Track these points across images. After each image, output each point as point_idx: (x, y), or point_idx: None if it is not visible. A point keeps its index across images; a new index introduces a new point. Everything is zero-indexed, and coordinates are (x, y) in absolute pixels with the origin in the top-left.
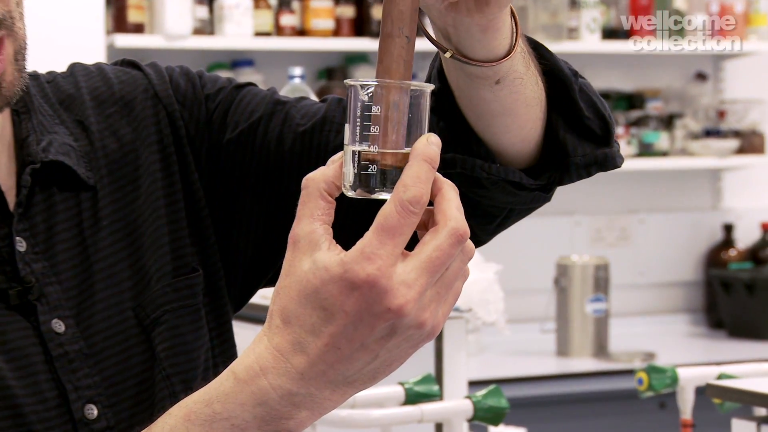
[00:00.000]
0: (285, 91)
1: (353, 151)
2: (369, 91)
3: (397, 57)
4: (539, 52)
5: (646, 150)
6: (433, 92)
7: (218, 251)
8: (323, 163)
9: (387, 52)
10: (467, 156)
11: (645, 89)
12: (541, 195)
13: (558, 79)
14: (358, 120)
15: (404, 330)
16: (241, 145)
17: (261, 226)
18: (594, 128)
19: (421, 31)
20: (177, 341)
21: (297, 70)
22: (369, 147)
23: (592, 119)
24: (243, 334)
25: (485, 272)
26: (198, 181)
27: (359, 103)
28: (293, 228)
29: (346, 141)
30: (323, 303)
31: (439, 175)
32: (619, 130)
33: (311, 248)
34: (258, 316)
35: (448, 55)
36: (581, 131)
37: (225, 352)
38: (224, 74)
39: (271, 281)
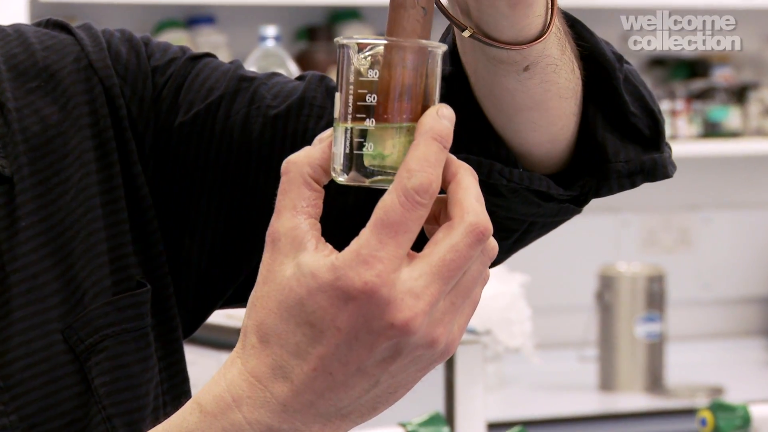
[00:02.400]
0: (255, 57)
1: (345, 128)
2: (366, 51)
3: (410, 32)
4: (576, 30)
5: (712, 130)
6: (444, 77)
7: (167, 262)
8: None
9: (398, 25)
10: (483, 157)
11: (710, 53)
12: (572, 207)
13: (599, 65)
14: (352, 87)
15: (411, 350)
16: (196, 131)
17: (219, 233)
18: (641, 127)
19: (435, 4)
20: (120, 373)
21: (270, 30)
22: (365, 121)
23: (638, 116)
24: (201, 362)
25: (508, 285)
26: (142, 174)
27: (353, 67)
28: (272, 223)
29: (336, 114)
30: (310, 317)
31: (453, 157)
32: (678, 105)
33: (294, 249)
34: (218, 340)
35: (466, 33)
36: (625, 130)
37: (174, 389)
38: (177, 35)
39: (231, 301)
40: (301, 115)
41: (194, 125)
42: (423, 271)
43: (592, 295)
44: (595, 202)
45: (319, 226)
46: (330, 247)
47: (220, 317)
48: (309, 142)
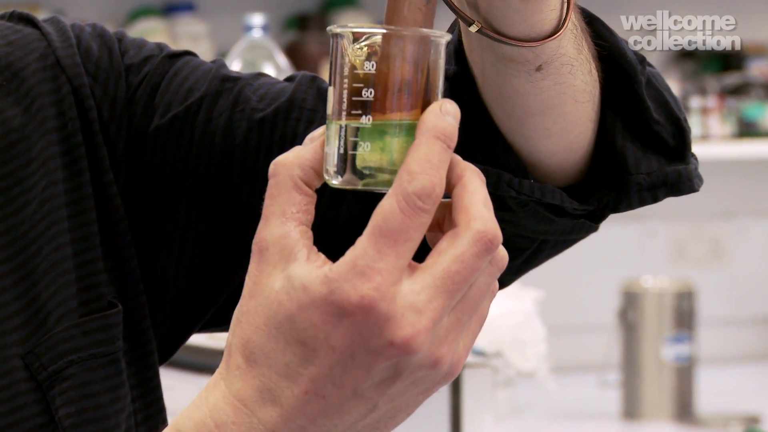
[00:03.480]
0: (239, 49)
1: (339, 125)
2: (362, 41)
3: (410, 22)
4: (595, 28)
5: (747, 130)
6: (448, 77)
7: (141, 280)
8: None
9: (397, 14)
10: (490, 167)
11: (745, 44)
12: (587, 224)
13: (619, 67)
14: (346, 81)
15: (413, 371)
16: (173, 136)
17: (198, 249)
18: (664, 136)
19: None
20: (87, 403)
21: (256, 19)
22: (360, 118)
23: (662, 124)
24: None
25: (521, 302)
26: (114, 184)
27: (347, 59)
28: (259, 231)
29: (329, 111)
30: (301, 335)
31: (458, 158)
32: (710, 102)
33: (284, 259)
34: (198, 363)
35: (473, 28)
36: (647, 139)
37: (149, 420)
38: (153, 23)
39: (211, 324)
40: (289, 119)
41: (171, 129)
42: (425, 283)
43: (614, 314)
44: None
45: (310, 233)
46: (323, 257)
47: (201, 337)
48: None
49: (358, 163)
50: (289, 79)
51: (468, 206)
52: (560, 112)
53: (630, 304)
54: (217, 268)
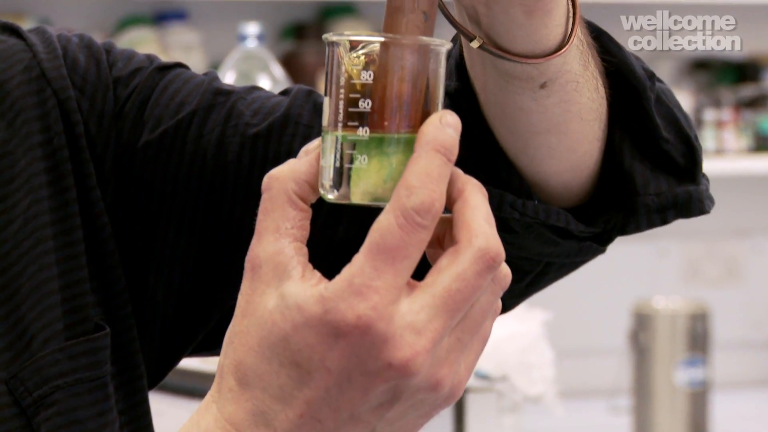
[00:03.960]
0: (233, 59)
1: (335, 137)
2: (359, 50)
3: (413, 32)
4: (601, 42)
5: (763, 144)
6: (449, 93)
7: (130, 302)
8: None
9: (395, 32)
10: (493, 187)
11: (761, 55)
12: (594, 246)
13: (627, 83)
14: (343, 91)
15: (412, 393)
16: (163, 151)
17: (188, 269)
18: (674, 155)
19: (439, 9)
20: (74, 430)
21: (251, 28)
22: (357, 130)
23: (672, 142)
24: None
25: (527, 323)
26: (101, 201)
27: (344, 68)
28: (252, 248)
29: (324, 122)
30: (296, 356)
31: (459, 172)
32: (725, 115)
33: (278, 277)
34: (190, 387)
35: (475, 44)
36: (656, 159)
37: None
38: (143, 33)
39: (202, 347)
40: (284, 134)
41: (161, 145)
42: (425, 302)
43: (624, 336)
44: None
45: (305, 250)
46: (318, 275)
47: (194, 361)
48: None
49: (355, 177)
50: (284, 93)
51: (469, 222)
52: (565, 131)
53: (641, 326)
54: (209, 289)
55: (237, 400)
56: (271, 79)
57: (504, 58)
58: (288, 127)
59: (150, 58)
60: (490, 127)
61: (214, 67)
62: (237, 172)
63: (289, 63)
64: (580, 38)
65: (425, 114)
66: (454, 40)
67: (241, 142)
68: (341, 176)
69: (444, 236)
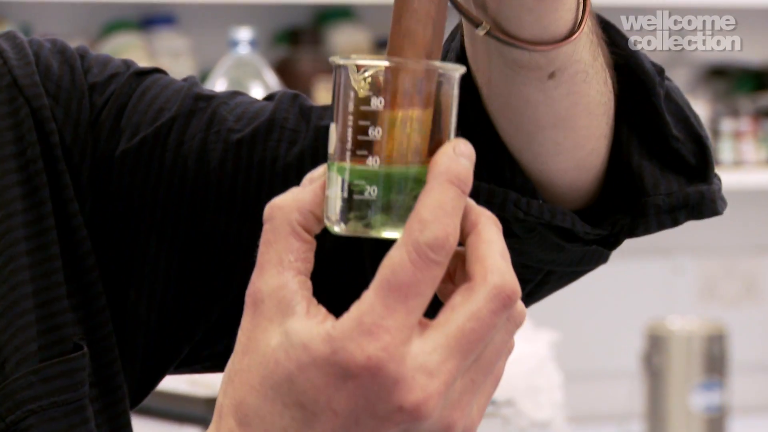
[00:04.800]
0: (225, 66)
1: (342, 168)
2: (368, 73)
3: (424, 16)
4: (609, 35)
5: None
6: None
7: (110, 319)
8: (270, 188)
9: (408, 8)
10: (496, 186)
11: None
12: (599, 250)
13: (636, 78)
14: (351, 118)
15: None
16: (142, 160)
17: (171, 283)
18: (684, 154)
19: None
20: None
21: (243, 33)
22: (366, 160)
23: (682, 141)
24: None
25: (534, 344)
26: (79, 214)
27: (352, 93)
28: (253, 281)
29: (331, 150)
30: (301, 398)
31: (473, 204)
32: (743, 125)
33: (281, 313)
34: (179, 412)
35: (481, 31)
36: (665, 158)
37: None
38: (130, 38)
39: (186, 363)
40: (269, 140)
41: (140, 153)
42: (438, 343)
43: (637, 358)
44: (642, 243)
45: (309, 284)
46: (324, 311)
47: (183, 384)
48: (279, 173)
49: (363, 209)
50: (268, 98)
51: (484, 257)
52: (573, 126)
53: (655, 348)
54: (193, 303)
55: None
56: (264, 87)
57: (512, 45)
58: (273, 132)
59: (126, 64)
60: (493, 122)
61: (204, 75)
62: (220, 179)
63: (283, 70)
64: (590, 26)
65: (438, 142)
66: (456, 29)
67: (225, 148)
68: (349, 208)
69: (456, 271)
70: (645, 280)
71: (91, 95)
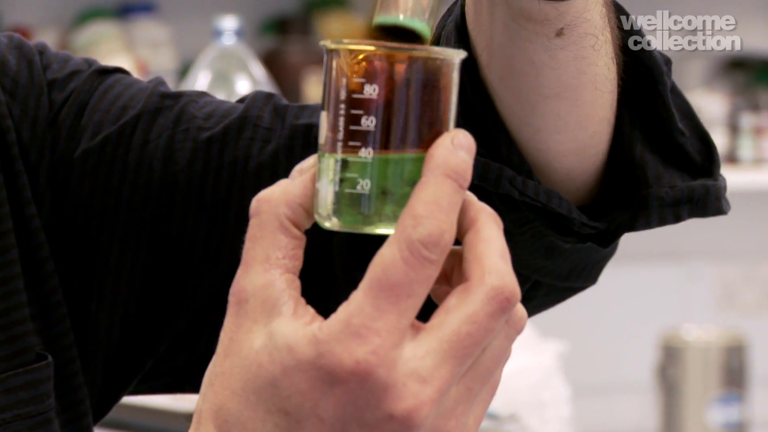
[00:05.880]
0: (208, 58)
1: (334, 159)
2: (362, 59)
3: None
4: (616, 16)
5: None
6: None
7: (71, 329)
8: (241, 189)
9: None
10: (491, 160)
11: None
12: (594, 251)
13: (642, 64)
14: (342, 107)
15: None
16: (105, 160)
17: (134, 292)
18: (689, 150)
19: None
20: None
21: (228, 22)
22: (359, 151)
23: (687, 136)
24: None
25: (540, 356)
26: (37, 217)
27: (344, 80)
28: (237, 279)
29: (321, 140)
30: (285, 403)
31: (473, 199)
32: (764, 120)
33: (266, 313)
34: (159, 428)
35: None
36: (669, 152)
37: None
38: (105, 28)
39: (150, 377)
40: (241, 138)
41: (102, 153)
42: (431, 347)
43: (651, 371)
44: (656, 246)
45: (298, 283)
46: (312, 311)
47: (166, 398)
48: (252, 174)
49: (356, 203)
50: (240, 101)
51: (482, 256)
52: (577, 99)
53: (669, 360)
54: (157, 312)
55: None
56: (251, 80)
57: None
58: (246, 130)
59: (88, 62)
60: (490, 95)
61: (186, 67)
62: (189, 180)
63: (271, 62)
64: None
65: (436, 133)
66: (454, 4)
67: (194, 147)
68: (340, 202)
69: (452, 271)
70: (659, 286)
71: (50, 92)
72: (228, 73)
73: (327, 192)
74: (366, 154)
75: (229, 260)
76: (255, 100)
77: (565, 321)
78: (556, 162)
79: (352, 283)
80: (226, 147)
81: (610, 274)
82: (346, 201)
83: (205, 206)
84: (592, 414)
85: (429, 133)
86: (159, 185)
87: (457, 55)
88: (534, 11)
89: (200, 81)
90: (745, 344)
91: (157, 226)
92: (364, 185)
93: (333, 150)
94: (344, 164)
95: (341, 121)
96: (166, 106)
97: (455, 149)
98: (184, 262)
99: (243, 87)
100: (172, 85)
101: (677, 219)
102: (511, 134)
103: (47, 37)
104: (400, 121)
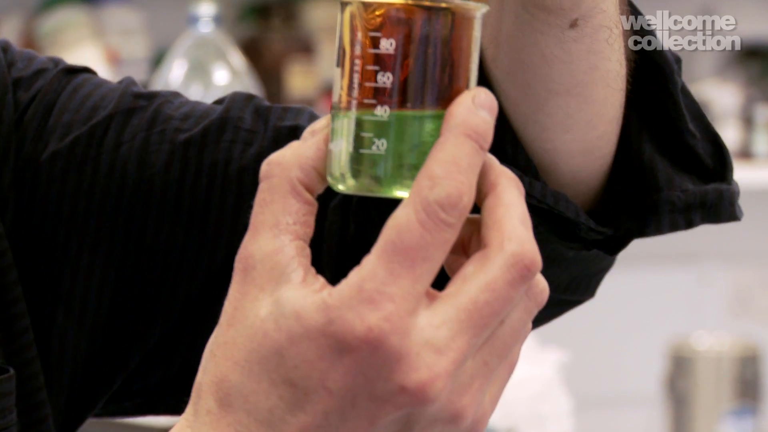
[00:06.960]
0: (184, 46)
1: (348, 117)
2: (378, 12)
3: None
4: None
5: None
6: None
7: (35, 343)
8: (221, 194)
9: None
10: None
11: None
12: (594, 261)
13: (653, 63)
14: (358, 63)
15: (428, 425)
16: (74, 163)
17: (104, 303)
18: (700, 153)
19: None
20: None
21: (204, 8)
22: (375, 109)
23: (698, 139)
24: None
25: (540, 366)
26: (0, 224)
27: (359, 34)
28: (245, 245)
29: (335, 98)
30: (291, 374)
31: (493, 161)
32: None
33: (274, 280)
34: None
35: None
36: (680, 154)
37: None
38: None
39: (119, 398)
40: (222, 140)
41: (72, 155)
42: (447, 316)
43: (659, 382)
44: (665, 249)
45: (308, 251)
46: (322, 279)
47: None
48: (233, 177)
49: (371, 164)
50: (218, 102)
51: (501, 222)
52: (588, 96)
53: (679, 370)
54: (128, 327)
55: (216, 425)
56: (230, 70)
57: None
58: (226, 131)
59: (54, 60)
60: (495, 91)
61: (160, 56)
62: (165, 185)
63: (251, 50)
64: None
65: (456, 91)
66: None
67: (170, 149)
68: (355, 163)
69: (470, 240)
70: (667, 291)
71: (15, 91)
72: (205, 62)
73: (341, 153)
74: (382, 112)
75: (208, 269)
76: (234, 101)
77: (566, 329)
78: (563, 163)
79: (365, 249)
80: (205, 149)
81: (614, 278)
82: (361, 162)
83: (182, 211)
84: (595, 428)
85: (449, 91)
86: (133, 189)
87: (478, 9)
88: (548, 0)
89: (175, 71)
90: (760, 353)
91: (130, 232)
92: (380, 145)
93: (347, 108)
94: (359, 123)
95: (356, 77)
96: (140, 106)
97: (476, 108)
98: (159, 271)
99: (221, 77)
100: (145, 76)
101: (689, 225)
102: (516, 133)
103: (9, 25)
104: (418, 78)
